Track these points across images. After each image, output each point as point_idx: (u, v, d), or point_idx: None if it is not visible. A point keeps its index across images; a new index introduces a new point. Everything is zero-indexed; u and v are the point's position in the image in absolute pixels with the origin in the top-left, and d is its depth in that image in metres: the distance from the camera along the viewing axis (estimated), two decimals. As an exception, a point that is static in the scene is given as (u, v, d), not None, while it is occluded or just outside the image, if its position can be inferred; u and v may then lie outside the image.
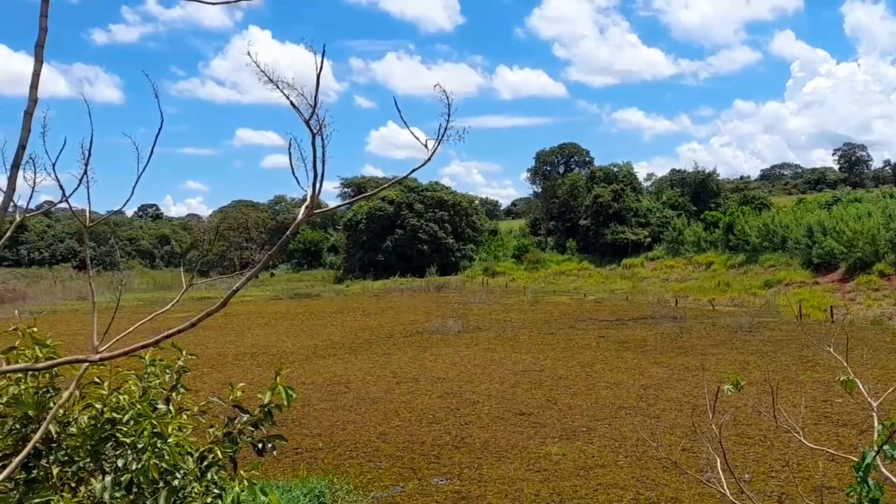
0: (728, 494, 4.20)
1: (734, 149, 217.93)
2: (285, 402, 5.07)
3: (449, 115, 2.27)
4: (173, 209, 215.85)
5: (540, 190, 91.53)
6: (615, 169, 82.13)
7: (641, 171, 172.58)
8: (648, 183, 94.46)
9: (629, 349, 27.47)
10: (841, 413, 16.96)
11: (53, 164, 2.67)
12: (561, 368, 23.94)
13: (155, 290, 70.78)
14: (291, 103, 2.18)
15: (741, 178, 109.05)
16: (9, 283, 76.91)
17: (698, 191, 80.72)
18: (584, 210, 78.72)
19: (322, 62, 2.12)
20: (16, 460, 2.50)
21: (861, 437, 14.67)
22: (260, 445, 5.08)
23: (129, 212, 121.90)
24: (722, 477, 4.28)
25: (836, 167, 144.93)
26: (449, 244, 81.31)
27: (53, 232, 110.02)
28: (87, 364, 3.06)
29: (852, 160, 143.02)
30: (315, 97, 2.15)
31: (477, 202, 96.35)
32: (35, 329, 4.48)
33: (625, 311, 41.21)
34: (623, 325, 35.18)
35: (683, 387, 20.49)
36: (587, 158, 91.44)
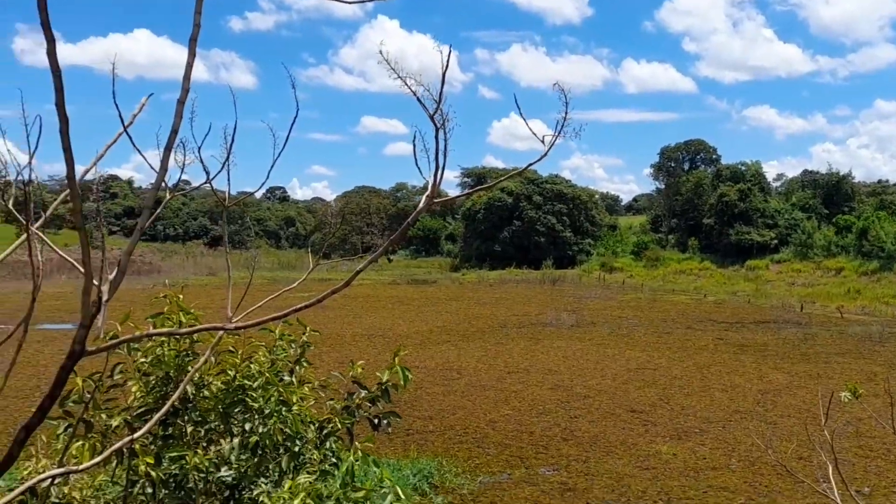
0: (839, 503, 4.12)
1: (873, 151, 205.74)
2: (402, 383, 5.32)
3: (566, 112, 2.38)
4: (299, 192, 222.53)
5: (663, 186, 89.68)
6: (743, 168, 79.40)
7: (771, 170, 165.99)
8: (778, 183, 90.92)
9: (748, 353, 26.71)
10: (975, 433, 16.04)
11: (199, 148, 2.95)
12: (676, 368, 23.55)
13: (279, 270, 73.23)
14: (418, 99, 2.34)
15: (879, 181, 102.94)
16: (145, 257, 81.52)
17: (831, 193, 77.19)
18: (709, 209, 76.57)
19: (448, 61, 2.28)
20: (156, 416, 2.80)
21: None
22: (376, 421, 5.35)
23: (258, 193, 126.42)
24: (834, 486, 4.22)
25: None
26: (566, 237, 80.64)
27: (188, 210, 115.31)
28: (222, 332, 3.34)
29: None
30: (440, 93, 2.32)
31: (597, 196, 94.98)
32: (181, 297, 4.90)
33: (746, 314, 39.96)
34: (743, 327, 34.17)
35: (804, 394, 19.83)
36: (714, 156, 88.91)
